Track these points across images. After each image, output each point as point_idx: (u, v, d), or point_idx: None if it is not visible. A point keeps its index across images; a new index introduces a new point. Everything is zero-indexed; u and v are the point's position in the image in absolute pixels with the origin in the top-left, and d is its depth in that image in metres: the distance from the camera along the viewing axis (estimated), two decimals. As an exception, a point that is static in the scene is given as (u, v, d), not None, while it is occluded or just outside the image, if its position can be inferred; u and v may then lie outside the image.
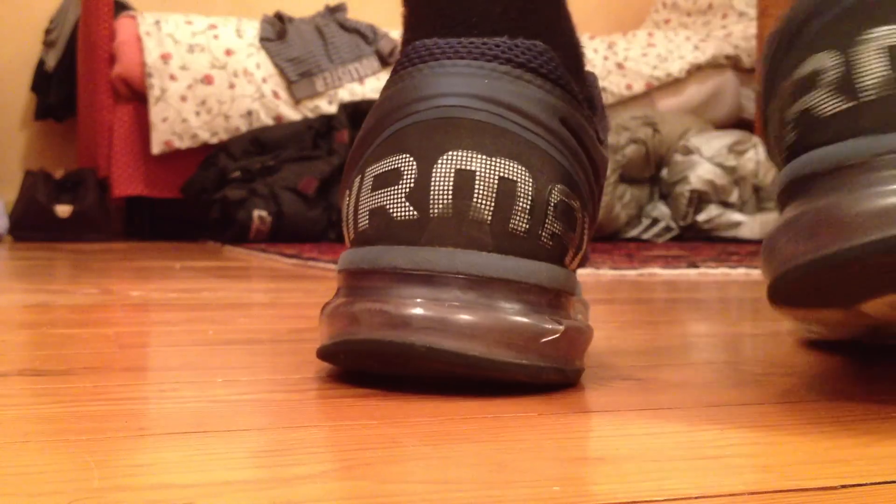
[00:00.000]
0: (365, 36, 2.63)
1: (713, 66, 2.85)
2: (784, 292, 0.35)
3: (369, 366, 0.38)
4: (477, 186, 0.36)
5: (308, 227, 2.18)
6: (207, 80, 2.42)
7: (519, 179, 0.36)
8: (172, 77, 2.39)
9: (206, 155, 2.40)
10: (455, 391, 0.36)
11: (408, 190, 0.36)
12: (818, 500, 0.24)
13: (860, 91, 0.33)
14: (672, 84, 2.79)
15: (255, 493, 0.24)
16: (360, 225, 0.38)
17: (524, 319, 0.35)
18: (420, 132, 0.37)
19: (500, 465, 0.26)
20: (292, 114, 2.49)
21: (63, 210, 2.32)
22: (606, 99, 2.68)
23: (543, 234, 0.36)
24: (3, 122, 2.87)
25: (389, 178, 0.37)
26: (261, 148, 2.36)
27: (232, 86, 2.44)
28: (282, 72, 2.49)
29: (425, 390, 0.37)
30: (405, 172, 0.36)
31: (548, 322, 0.36)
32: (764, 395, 0.37)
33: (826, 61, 0.34)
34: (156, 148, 2.39)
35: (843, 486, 0.25)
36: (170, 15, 2.51)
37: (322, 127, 2.40)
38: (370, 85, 2.57)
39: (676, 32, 3.00)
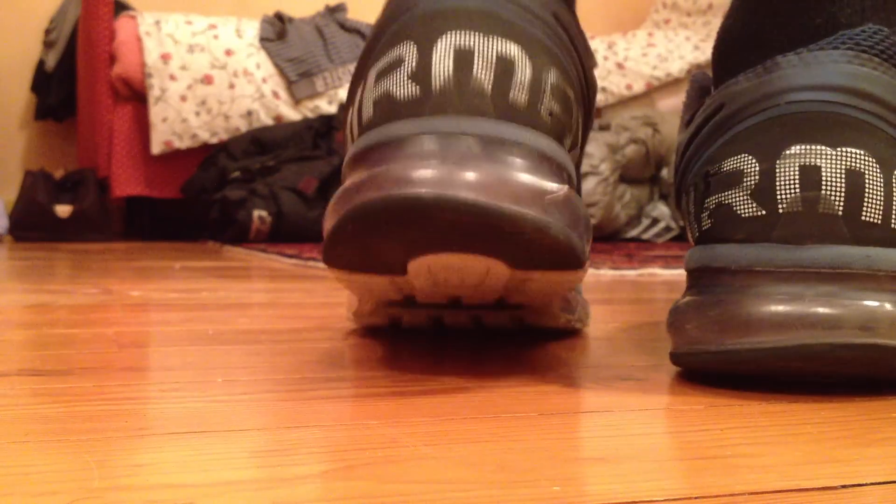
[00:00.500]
0: (365, 36, 2.63)
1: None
2: (687, 365, 0.40)
3: (379, 228, 0.37)
4: (476, 61, 0.37)
5: (308, 227, 2.18)
6: (207, 80, 2.42)
7: (516, 57, 0.37)
8: (172, 77, 2.39)
9: (206, 155, 2.40)
10: (455, 391, 0.36)
11: (410, 71, 0.37)
12: (818, 500, 0.24)
13: (775, 202, 0.37)
14: (672, 84, 2.79)
15: (255, 493, 0.24)
16: (365, 117, 0.39)
17: (529, 175, 0.36)
18: (421, 20, 0.38)
19: (500, 465, 0.26)
20: (292, 114, 2.49)
21: (63, 210, 2.32)
22: (606, 99, 2.68)
23: (542, 109, 0.38)
24: (3, 122, 2.87)
25: (392, 66, 0.38)
26: (261, 148, 2.36)
27: (232, 86, 2.44)
28: (282, 72, 2.49)
29: (425, 390, 0.37)
30: (406, 57, 0.38)
31: (551, 181, 0.37)
32: (764, 395, 0.37)
33: (748, 165, 0.38)
34: (156, 148, 2.39)
35: (843, 486, 0.25)
36: (170, 15, 2.51)
37: (322, 127, 2.40)
38: (370, 85, 2.57)
39: (676, 32, 3.00)
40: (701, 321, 0.38)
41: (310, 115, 2.49)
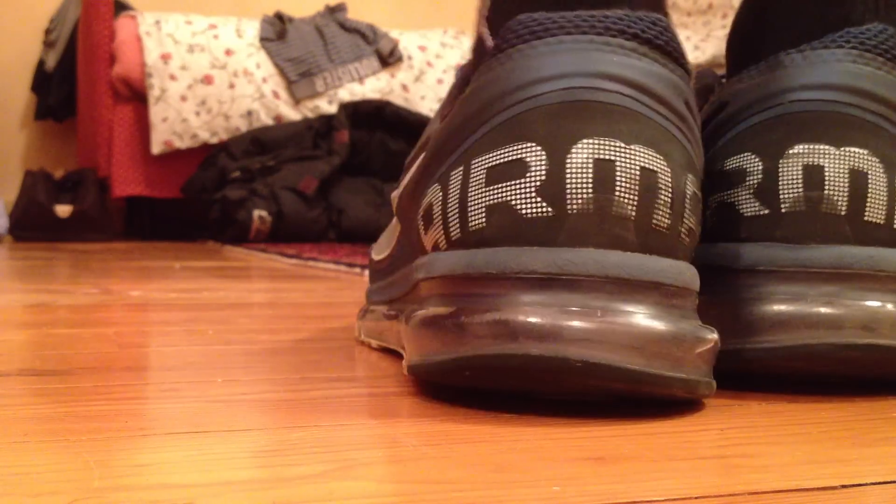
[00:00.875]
0: (365, 36, 2.63)
1: (713, 65, 2.85)
2: None
3: (503, 382, 0.34)
4: (619, 178, 0.32)
5: (308, 227, 2.18)
6: (207, 80, 2.42)
7: (659, 170, 0.32)
8: (172, 77, 2.39)
9: (206, 155, 2.40)
10: (455, 391, 0.36)
11: (538, 183, 0.32)
12: (818, 500, 0.24)
13: (778, 201, 0.37)
14: (672, 84, 2.79)
15: (255, 493, 0.24)
16: (473, 224, 0.33)
17: (684, 327, 0.32)
18: (545, 117, 0.32)
19: (500, 465, 0.26)
20: (292, 114, 2.49)
21: (63, 210, 2.32)
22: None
23: (682, 229, 0.33)
24: (3, 122, 2.87)
25: (512, 171, 0.32)
26: (261, 148, 2.36)
27: (232, 86, 2.44)
28: (282, 72, 2.49)
29: (425, 390, 0.37)
30: (532, 163, 0.32)
31: (701, 330, 0.33)
32: (764, 394, 0.37)
33: (751, 164, 0.38)
34: (156, 148, 2.39)
35: (843, 486, 0.25)
36: (170, 15, 2.51)
37: (322, 127, 2.40)
38: (370, 85, 2.57)
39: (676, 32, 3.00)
40: (703, 321, 0.38)
41: (310, 115, 2.49)
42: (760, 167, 0.38)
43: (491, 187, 0.33)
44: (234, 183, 2.23)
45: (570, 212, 0.32)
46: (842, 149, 0.37)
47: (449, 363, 0.33)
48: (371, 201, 2.26)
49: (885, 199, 0.36)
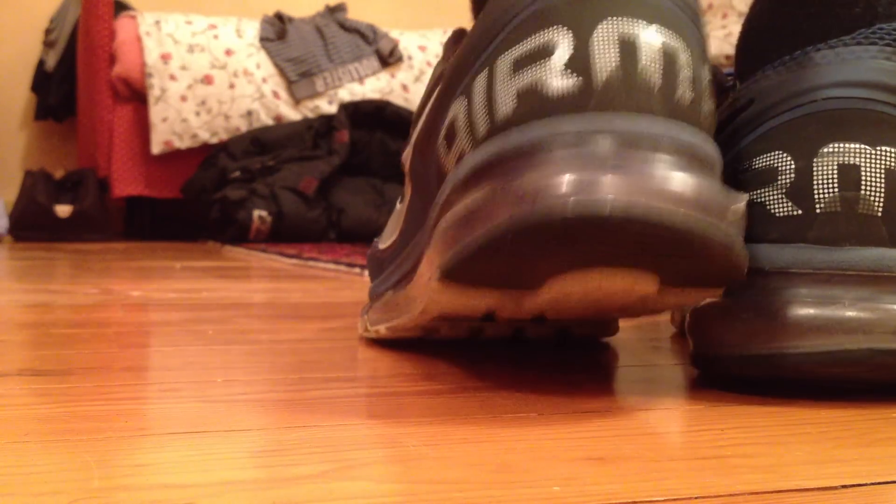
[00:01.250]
0: (365, 36, 2.63)
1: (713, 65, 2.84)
2: (712, 369, 0.38)
3: (548, 243, 0.32)
4: (642, 53, 0.32)
5: (308, 227, 2.18)
6: (207, 80, 2.42)
7: (679, 50, 0.33)
8: (172, 77, 2.39)
9: (206, 155, 2.40)
10: (455, 391, 0.36)
11: (567, 60, 0.33)
12: (818, 500, 0.24)
13: (812, 201, 0.36)
14: (672, 84, 2.79)
15: (255, 493, 0.24)
16: (501, 114, 0.33)
17: (717, 186, 0.33)
18: (569, 3, 0.33)
19: (500, 465, 0.26)
20: (292, 114, 2.49)
21: (63, 210, 2.32)
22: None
23: (703, 108, 0.34)
24: (3, 122, 2.87)
25: (540, 54, 0.33)
26: (261, 148, 2.36)
27: (232, 86, 2.44)
28: (282, 72, 2.49)
29: (425, 390, 0.37)
30: (559, 44, 0.33)
31: (732, 191, 0.34)
32: (764, 394, 0.37)
33: (782, 163, 0.37)
34: (156, 148, 2.39)
35: (843, 486, 0.25)
36: (170, 15, 2.51)
37: (322, 127, 2.40)
38: (370, 85, 2.57)
39: (676, 32, 3.00)
40: (730, 324, 0.37)
41: (310, 115, 2.49)
42: (792, 166, 0.37)
43: (518, 73, 0.33)
44: (234, 183, 2.23)
45: (597, 83, 0.32)
46: (878, 148, 0.36)
47: (486, 237, 0.32)
48: (371, 201, 2.26)
49: None
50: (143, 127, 2.42)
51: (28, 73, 2.85)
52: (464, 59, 0.36)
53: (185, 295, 0.81)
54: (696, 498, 0.24)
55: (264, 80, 2.47)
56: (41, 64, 2.81)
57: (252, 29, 2.55)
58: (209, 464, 0.26)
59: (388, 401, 0.35)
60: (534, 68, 0.33)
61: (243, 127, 2.45)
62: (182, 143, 2.40)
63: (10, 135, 2.88)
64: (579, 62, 0.32)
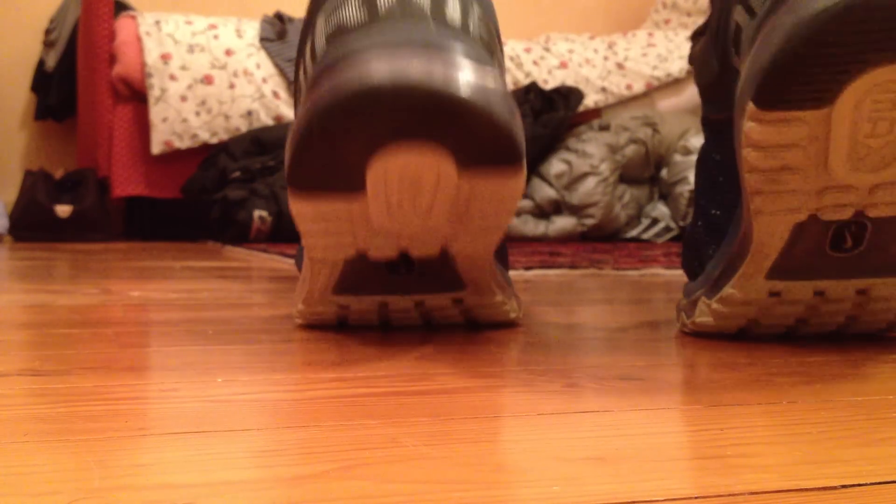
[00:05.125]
0: (365, 36, 2.63)
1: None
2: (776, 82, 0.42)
3: (341, 124, 0.41)
4: None
5: (308, 227, 2.18)
6: (207, 80, 2.42)
7: None
8: (172, 77, 2.39)
9: (207, 155, 2.40)
10: (455, 391, 0.36)
11: (358, 2, 0.44)
12: (818, 500, 0.24)
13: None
14: (672, 84, 2.79)
15: (255, 493, 0.24)
16: (319, 51, 0.45)
17: (474, 64, 0.42)
18: None
19: (500, 465, 0.26)
20: (292, 114, 2.49)
21: (63, 210, 2.32)
22: (606, 99, 2.68)
23: (473, 30, 0.44)
24: (3, 122, 2.87)
25: (340, 4, 0.44)
26: (261, 148, 2.36)
27: (232, 86, 2.44)
28: (282, 72, 2.49)
29: (425, 390, 0.37)
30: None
31: (491, 75, 0.42)
32: (764, 394, 0.37)
33: None
34: (156, 148, 2.39)
35: (843, 486, 0.25)
36: (170, 15, 2.51)
37: (322, 127, 2.39)
38: (370, 85, 2.57)
39: (676, 32, 3.00)
40: None
41: (310, 115, 2.49)
42: None
43: (329, 19, 0.45)
44: (234, 183, 2.23)
45: (379, 11, 0.43)
46: None
47: (305, 125, 0.42)
48: (371, 201, 2.26)
49: None
50: (143, 127, 2.42)
51: (28, 73, 2.85)
52: (304, 27, 0.48)
53: (185, 295, 0.81)
54: (696, 498, 0.24)
55: (264, 80, 2.47)
56: (41, 64, 2.81)
57: (252, 29, 2.55)
58: (209, 464, 0.26)
59: (388, 401, 0.35)
60: (337, 13, 0.44)
61: (243, 127, 2.45)
62: (182, 143, 2.40)
63: (10, 135, 2.88)
64: (370, 5, 0.44)
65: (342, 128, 0.42)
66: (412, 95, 0.40)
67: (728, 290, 0.49)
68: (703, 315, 0.51)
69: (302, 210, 0.46)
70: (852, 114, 0.41)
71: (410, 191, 0.44)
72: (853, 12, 0.38)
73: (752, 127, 0.42)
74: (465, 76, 0.41)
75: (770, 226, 0.45)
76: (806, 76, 0.40)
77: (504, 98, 0.42)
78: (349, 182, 0.44)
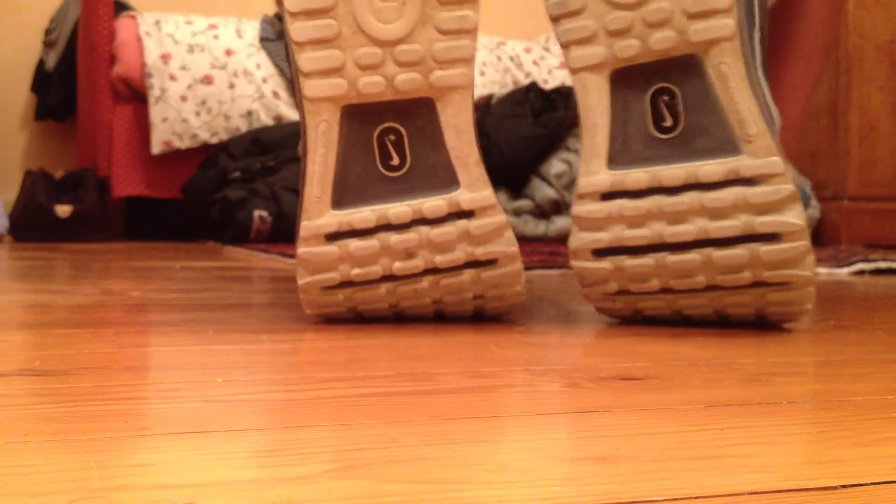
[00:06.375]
0: (365, 36, 2.63)
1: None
2: None
3: None
4: None
5: (308, 227, 2.18)
6: (207, 80, 2.42)
7: None
8: (172, 77, 2.39)
9: (207, 155, 2.40)
10: (455, 391, 0.36)
11: None
12: (818, 500, 0.24)
13: None
14: (672, 84, 2.79)
15: (255, 493, 0.24)
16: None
17: None
18: None
19: (500, 465, 0.26)
20: (292, 114, 2.49)
21: (63, 210, 2.32)
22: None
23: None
24: (3, 122, 2.87)
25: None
26: (261, 148, 2.36)
27: (232, 86, 2.44)
28: (282, 72, 2.49)
29: (425, 390, 0.37)
30: None
31: None
32: (764, 395, 0.37)
33: None
34: (156, 148, 2.39)
35: (843, 486, 0.25)
36: (170, 15, 2.51)
37: (322, 127, 2.39)
38: (370, 85, 2.57)
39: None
40: None
41: (310, 115, 2.49)
42: None
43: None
44: (234, 183, 2.23)
45: None
46: None
47: None
48: (371, 201, 2.26)
49: None
50: (143, 127, 2.42)
51: (28, 73, 2.85)
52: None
53: (185, 295, 0.81)
54: (696, 498, 0.24)
55: (264, 81, 2.47)
56: (41, 64, 2.81)
57: (252, 29, 2.55)
58: (209, 464, 0.26)
59: (388, 401, 0.35)
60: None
61: (243, 127, 2.44)
62: (182, 143, 2.40)
63: (10, 135, 2.88)
64: None
65: None
66: None
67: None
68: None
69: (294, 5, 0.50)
70: None
71: None
72: None
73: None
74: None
75: None
76: None
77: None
78: None
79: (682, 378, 0.40)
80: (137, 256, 1.52)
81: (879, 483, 0.25)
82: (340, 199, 0.53)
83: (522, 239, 2.12)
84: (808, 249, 0.52)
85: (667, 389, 0.38)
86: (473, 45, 0.53)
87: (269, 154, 2.35)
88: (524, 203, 2.15)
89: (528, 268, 1.14)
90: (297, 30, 0.53)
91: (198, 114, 2.42)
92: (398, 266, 0.54)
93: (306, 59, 0.53)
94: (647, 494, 0.24)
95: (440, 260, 0.54)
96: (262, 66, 2.49)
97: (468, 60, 0.53)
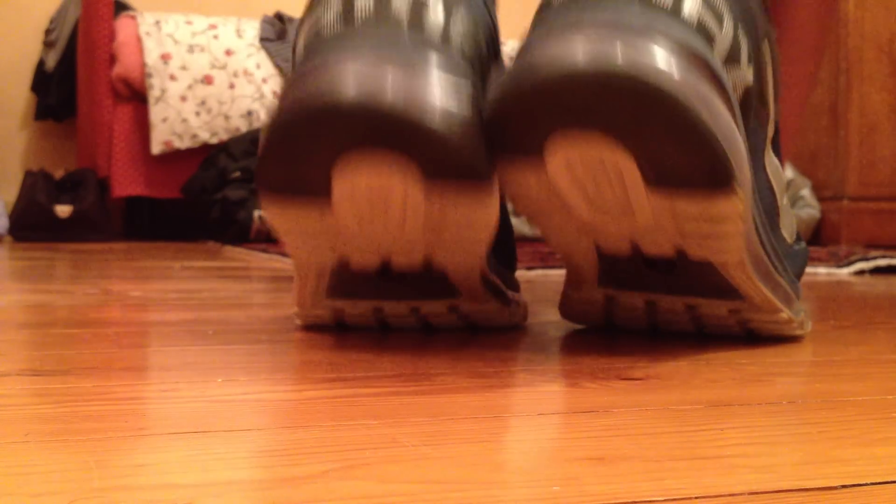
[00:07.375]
0: (365, 36, 2.63)
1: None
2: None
3: (305, 129, 0.41)
4: (394, 2, 0.43)
5: (308, 227, 2.17)
6: (207, 80, 2.42)
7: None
8: (172, 77, 2.39)
9: (207, 155, 2.40)
10: (455, 391, 0.36)
11: (336, 13, 0.44)
12: (818, 500, 0.24)
13: None
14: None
15: (255, 493, 0.24)
16: (298, 62, 0.45)
17: (446, 75, 0.41)
18: None
19: (500, 465, 0.26)
20: (292, 114, 2.49)
21: (63, 210, 2.32)
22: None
23: (454, 36, 0.44)
24: (3, 122, 2.87)
25: (319, 16, 0.44)
26: (261, 148, 2.36)
27: (232, 86, 2.44)
28: (282, 72, 2.49)
29: (425, 390, 0.37)
30: (332, 4, 0.44)
31: (465, 90, 0.42)
32: (764, 394, 0.37)
33: None
34: (156, 148, 2.39)
35: (843, 486, 0.25)
36: (170, 15, 2.51)
37: (322, 127, 2.39)
38: (370, 85, 2.57)
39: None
40: None
41: (310, 115, 2.49)
42: None
43: (309, 31, 0.45)
44: (234, 183, 2.23)
45: (356, 23, 0.43)
46: None
47: (273, 128, 0.41)
48: (371, 201, 2.26)
49: None
50: (142, 127, 2.42)
51: (28, 73, 2.85)
52: (293, 46, 0.48)
53: (185, 295, 0.81)
54: (696, 498, 0.24)
55: (264, 81, 2.47)
56: (41, 64, 2.81)
57: (252, 29, 2.55)
58: (209, 464, 0.26)
59: (388, 401, 0.35)
60: (316, 24, 0.44)
61: (243, 127, 2.44)
62: (182, 144, 2.40)
63: (10, 135, 2.88)
64: (345, 14, 0.43)
65: (303, 141, 0.41)
66: (372, 112, 0.39)
67: (567, 291, 0.53)
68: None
69: (274, 214, 0.45)
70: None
71: (380, 206, 0.43)
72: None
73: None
74: (431, 91, 0.40)
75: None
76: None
77: (471, 112, 0.41)
78: (317, 193, 0.43)
79: (682, 378, 0.40)
80: (137, 256, 1.52)
81: (879, 483, 0.25)
82: (334, 291, 0.51)
83: (522, 239, 2.12)
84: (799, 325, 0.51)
85: (667, 389, 0.38)
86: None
87: (269, 154, 2.34)
88: (524, 203, 2.14)
89: (528, 268, 1.14)
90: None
91: (198, 114, 2.42)
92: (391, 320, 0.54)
93: None
94: (647, 494, 0.24)
95: (435, 322, 0.54)
96: (262, 66, 2.49)
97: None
